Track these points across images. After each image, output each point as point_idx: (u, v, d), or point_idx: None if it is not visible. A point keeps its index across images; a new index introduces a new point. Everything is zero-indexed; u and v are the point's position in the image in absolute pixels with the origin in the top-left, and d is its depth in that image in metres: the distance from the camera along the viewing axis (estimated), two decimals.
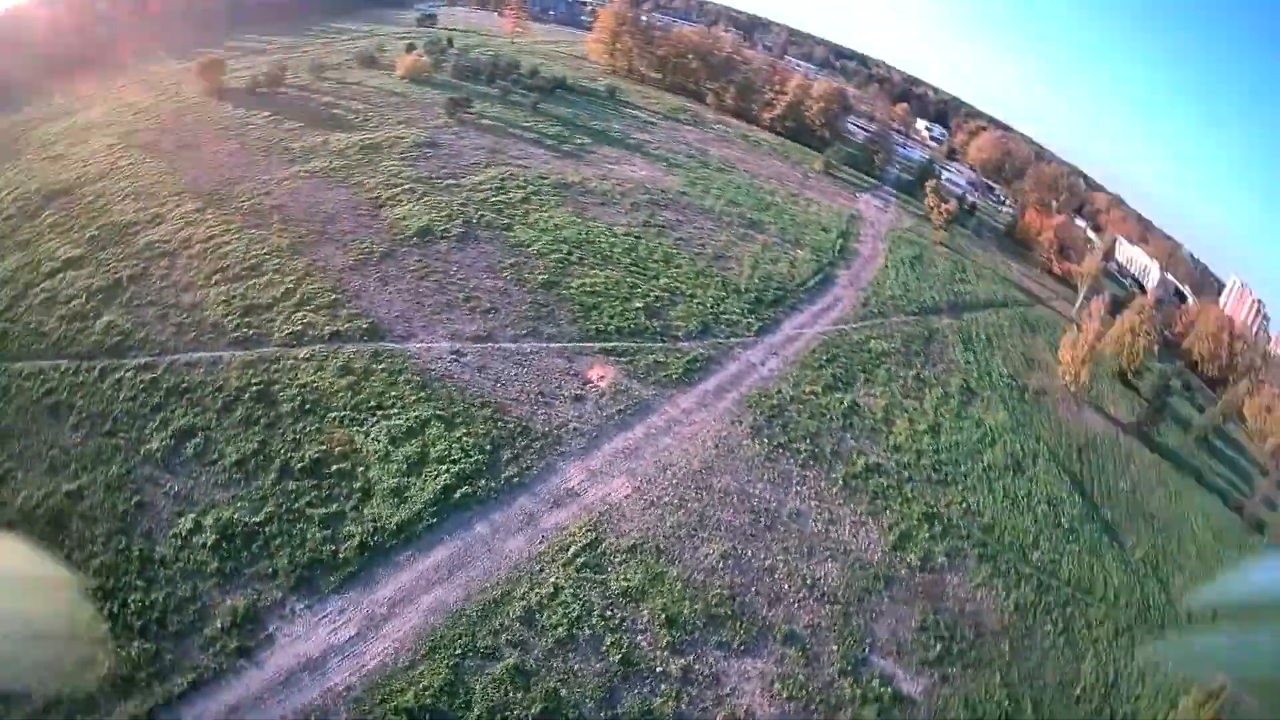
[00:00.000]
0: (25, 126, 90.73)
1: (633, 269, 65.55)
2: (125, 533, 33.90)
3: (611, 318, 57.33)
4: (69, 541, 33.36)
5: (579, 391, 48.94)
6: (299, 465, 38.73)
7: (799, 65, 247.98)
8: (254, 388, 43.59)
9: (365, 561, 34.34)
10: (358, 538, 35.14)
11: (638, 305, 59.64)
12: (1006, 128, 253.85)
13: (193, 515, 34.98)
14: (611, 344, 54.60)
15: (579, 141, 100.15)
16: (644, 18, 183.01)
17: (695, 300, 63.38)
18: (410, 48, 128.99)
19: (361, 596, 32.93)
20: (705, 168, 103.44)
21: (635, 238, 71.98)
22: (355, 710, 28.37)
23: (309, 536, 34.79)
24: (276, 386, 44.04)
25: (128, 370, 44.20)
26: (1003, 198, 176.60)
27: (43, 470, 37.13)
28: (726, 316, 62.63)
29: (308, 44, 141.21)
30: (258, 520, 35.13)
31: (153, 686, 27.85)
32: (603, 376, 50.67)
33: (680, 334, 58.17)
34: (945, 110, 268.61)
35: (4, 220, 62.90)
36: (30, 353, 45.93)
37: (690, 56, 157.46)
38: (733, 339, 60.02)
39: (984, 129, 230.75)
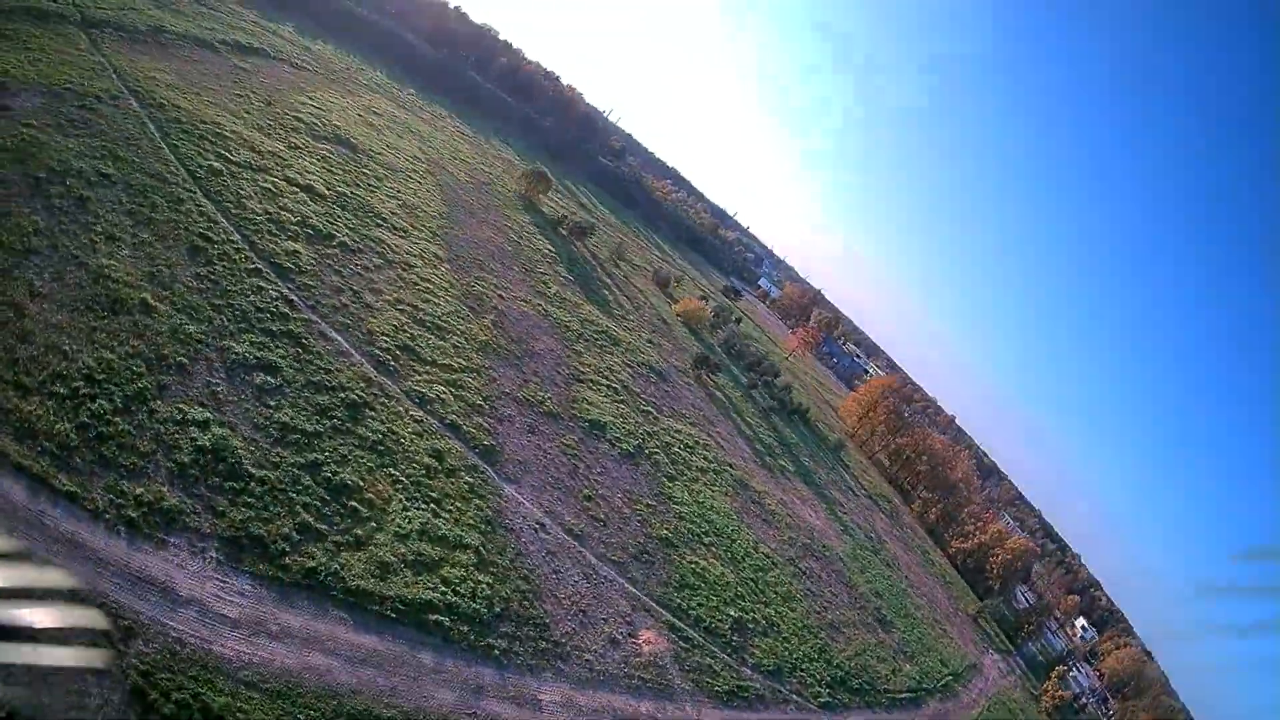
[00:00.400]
0: (374, 84, 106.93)
1: (750, 583, 63.88)
2: (149, 366, 34.55)
3: (700, 605, 55.05)
4: (106, 324, 34.59)
5: (618, 636, 45.89)
6: (326, 473, 38.32)
7: (1009, 521, 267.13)
8: (353, 395, 44.87)
9: (299, 584, 32.29)
10: (314, 564, 33.33)
11: (732, 613, 57.40)
12: (1149, 654, 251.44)
13: (208, 415, 35.22)
14: (682, 626, 51.68)
15: (782, 464, 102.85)
16: (906, 409, 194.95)
17: (786, 645, 60.40)
18: (703, 299, 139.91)
19: (268, 601, 30.65)
20: (873, 554, 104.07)
21: (772, 563, 70.75)
22: (161, 656, 25.68)
23: (275, 523, 33.46)
24: (370, 413, 44.92)
25: (275, 291, 47.19)
26: (1113, 713, 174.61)
27: (145, 270, 39.50)
28: (803, 675, 59.07)
29: (627, 234, 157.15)
30: (250, 470, 34.60)
31: (41, 458, 27.24)
32: (651, 643, 47.48)
33: (751, 661, 54.92)
34: (1107, 621, 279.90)
35: (295, 117, 72.06)
36: (221, 205, 51.21)
37: (924, 459, 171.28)
38: (795, 697, 56.13)
39: (1129, 645, 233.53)
